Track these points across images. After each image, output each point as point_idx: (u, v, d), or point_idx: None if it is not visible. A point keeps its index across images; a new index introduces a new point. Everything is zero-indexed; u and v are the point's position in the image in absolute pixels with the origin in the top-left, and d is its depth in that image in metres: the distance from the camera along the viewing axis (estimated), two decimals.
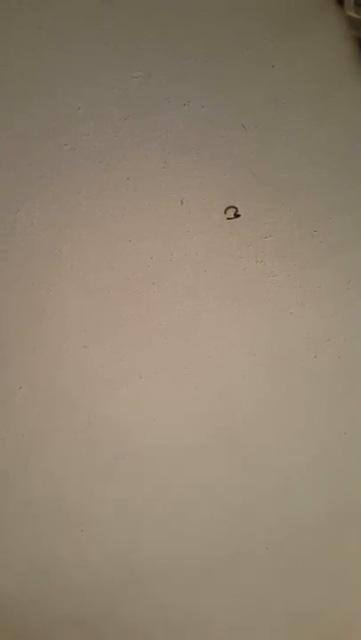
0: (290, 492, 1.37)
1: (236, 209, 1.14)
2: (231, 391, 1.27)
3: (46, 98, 1.08)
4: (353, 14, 0.94)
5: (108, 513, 1.41)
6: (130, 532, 1.42)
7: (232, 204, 1.14)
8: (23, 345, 1.25)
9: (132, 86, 1.07)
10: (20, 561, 1.47)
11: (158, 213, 1.15)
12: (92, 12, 1.03)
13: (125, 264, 1.18)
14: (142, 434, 1.32)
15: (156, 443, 1.33)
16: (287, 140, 1.10)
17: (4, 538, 1.45)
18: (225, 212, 1.14)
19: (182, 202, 1.14)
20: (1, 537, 1.45)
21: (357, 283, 1.18)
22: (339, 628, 1.51)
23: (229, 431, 1.31)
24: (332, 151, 1.11)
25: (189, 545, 1.43)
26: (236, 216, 1.14)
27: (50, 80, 1.07)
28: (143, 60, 1.05)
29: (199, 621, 1.52)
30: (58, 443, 1.33)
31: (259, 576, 1.45)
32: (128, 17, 1.03)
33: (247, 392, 1.27)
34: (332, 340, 1.22)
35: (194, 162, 1.11)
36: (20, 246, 1.17)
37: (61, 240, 1.17)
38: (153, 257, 1.18)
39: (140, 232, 1.16)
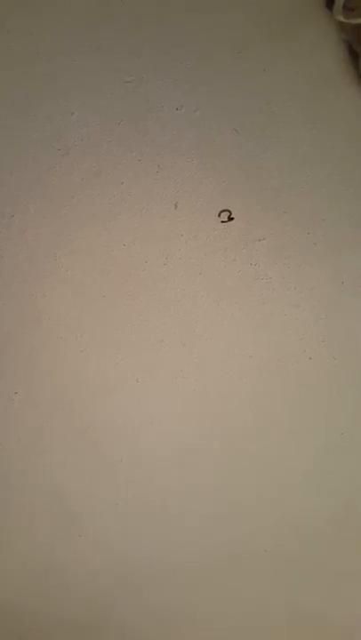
0: (288, 493, 1.37)
1: (230, 212, 1.14)
2: (227, 393, 1.27)
3: (40, 103, 1.08)
4: (342, 18, 0.95)
5: (106, 516, 1.41)
6: (128, 535, 1.42)
7: (226, 208, 1.14)
8: (19, 349, 1.25)
9: (125, 91, 1.07)
10: (19, 565, 1.47)
11: (152, 217, 1.15)
12: (84, 18, 1.03)
13: (120, 268, 1.19)
14: (139, 437, 1.32)
15: (153, 445, 1.33)
16: (280, 143, 1.10)
17: (2, 542, 1.45)
18: (219, 216, 1.15)
19: (176, 205, 1.14)
20: None
21: (351, 284, 1.19)
22: (339, 630, 1.51)
23: (226, 433, 1.31)
24: (324, 153, 1.11)
25: (188, 548, 1.43)
26: (230, 219, 1.15)
27: (43, 85, 1.07)
28: (136, 64, 1.06)
29: (198, 624, 1.52)
30: (55, 447, 1.33)
31: (258, 578, 1.45)
32: (120, 22, 1.04)
33: (243, 394, 1.27)
34: (327, 341, 1.23)
35: (187, 166, 1.12)
36: (15, 251, 1.18)
37: (56, 244, 1.17)
38: (148, 261, 1.18)
39: (134, 236, 1.16)
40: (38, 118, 1.09)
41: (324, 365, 1.25)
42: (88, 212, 1.15)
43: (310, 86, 1.07)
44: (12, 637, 1.54)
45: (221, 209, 1.14)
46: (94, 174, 1.12)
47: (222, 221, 1.15)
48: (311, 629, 1.50)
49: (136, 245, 1.17)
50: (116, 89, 1.07)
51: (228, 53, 1.06)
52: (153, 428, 1.32)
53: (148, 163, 1.11)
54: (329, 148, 1.11)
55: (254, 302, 1.20)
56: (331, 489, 1.36)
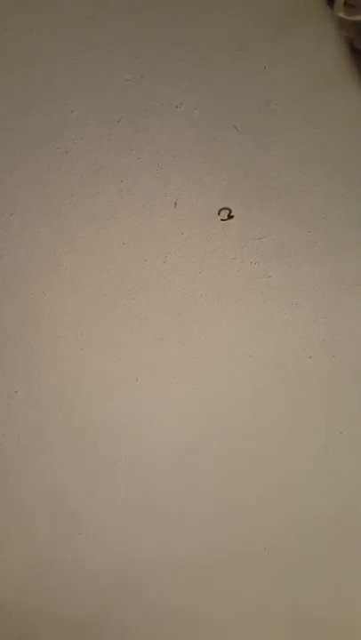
0: (288, 493, 1.37)
1: (230, 210, 1.14)
2: (227, 392, 1.27)
3: (39, 102, 1.08)
4: (343, 15, 0.94)
5: (106, 516, 1.41)
6: (128, 535, 1.42)
7: (226, 206, 1.14)
8: (19, 348, 1.25)
9: (124, 89, 1.07)
10: (19, 565, 1.47)
11: (152, 216, 1.15)
12: (83, 17, 1.03)
13: (120, 266, 1.19)
14: (139, 436, 1.32)
15: (152, 444, 1.33)
16: (280, 142, 1.10)
17: (2, 542, 1.45)
18: (219, 214, 1.15)
19: (176, 204, 1.14)
20: None
21: (351, 283, 1.19)
22: (339, 630, 1.51)
23: (226, 432, 1.31)
24: (324, 151, 1.11)
25: (187, 547, 1.43)
26: (230, 217, 1.15)
27: (43, 84, 1.07)
28: (135, 63, 1.06)
29: (198, 624, 1.52)
30: (54, 445, 1.33)
31: (258, 578, 1.45)
32: (120, 21, 1.04)
33: (243, 393, 1.27)
34: (326, 340, 1.23)
35: (187, 164, 1.12)
36: (15, 250, 1.18)
37: (56, 243, 1.17)
38: (147, 259, 1.18)
39: (134, 234, 1.16)
40: (38, 117, 1.09)
41: (323, 365, 1.24)
42: (88, 211, 1.15)
43: (310, 86, 1.07)
44: (11, 637, 1.53)
45: (221, 207, 1.14)
46: (94, 172, 1.12)
47: (222, 220, 1.15)
48: (311, 629, 1.50)
49: (136, 244, 1.17)
50: (116, 87, 1.07)
51: (227, 52, 1.06)
52: (153, 427, 1.31)
53: (148, 161, 1.11)
54: (329, 147, 1.11)
55: (254, 301, 1.20)
56: (331, 489, 1.36)
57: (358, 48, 1.01)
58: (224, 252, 1.17)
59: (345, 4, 0.94)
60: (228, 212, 1.14)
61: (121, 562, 1.45)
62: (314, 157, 1.12)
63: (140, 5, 1.03)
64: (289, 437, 1.31)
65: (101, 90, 1.07)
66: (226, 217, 1.14)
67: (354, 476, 1.35)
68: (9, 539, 1.44)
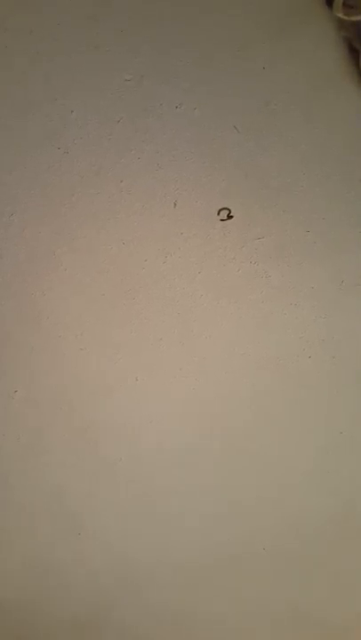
0: (288, 493, 1.37)
1: (230, 210, 1.14)
2: (227, 392, 1.27)
3: (39, 102, 1.08)
4: (341, 15, 0.95)
5: (106, 516, 1.41)
6: (127, 535, 1.42)
7: (225, 206, 1.14)
8: (18, 348, 1.25)
9: (124, 89, 1.07)
10: (19, 565, 1.47)
11: (152, 216, 1.15)
12: (83, 17, 1.04)
13: (120, 266, 1.19)
14: (139, 436, 1.32)
15: (152, 444, 1.33)
16: (279, 142, 1.10)
17: (2, 542, 1.45)
18: (218, 214, 1.15)
19: (175, 204, 1.14)
20: None
21: (351, 283, 1.19)
22: (339, 630, 1.51)
23: (226, 432, 1.31)
24: (324, 151, 1.11)
25: (187, 547, 1.43)
26: (230, 217, 1.15)
27: (43, 84, 1.07)
28: (135, 63, 1.06)
29: (198, 624, 1.52)
30: (54, 445, 1.33)
31: (258, 578, 1.45)
32: (120, 21, 1.04)
33: (243, 393, 1.27)
34: (326, 340, 1.23)
35: (187, 164, 1.12)
36: (15, 250, 1.17)
37: (55, 243, 1.17)
38: (147, 259, 1.18)
39: (133, 234, 1.16)
40: (38, 117, 1.09)
41: (323, 365, 1.24)
42: (87, 211, 1.15)
43: (310, 86, 1.07)
44: (11, 637, 1.53)
45: (221, 207, 1.14)
46: (94, 173, 1.12)
47: (222, 220, 1.15)
48: (311, 629, 1.50)
49: (135, 244, 1.17)
50: (116, 87, 1.07)
51: (227, 52, 1.06)
52: (153, 427, 1.31)
53: (148, 161, 1.11)
54: (329, 147, 1.11)
55: (254, 301, 1.20)
56: (331, 489, 1.36)
57: (357, 48, 1.01)
58: (224, 252, 1.17)
59: (344, 4, 0.94)
60: (227, 212, 1.14)
61: (121, 562, 1.45)
62: (314, 157, 1.12)
63: (140, 5, 1.03)
64: (289, 437, 1.31)
65: (101, 90, 1.07)
66: (225, 217, 1.14)
67: (354, 475, 1.34)
68: (9, 539, 1.44)
